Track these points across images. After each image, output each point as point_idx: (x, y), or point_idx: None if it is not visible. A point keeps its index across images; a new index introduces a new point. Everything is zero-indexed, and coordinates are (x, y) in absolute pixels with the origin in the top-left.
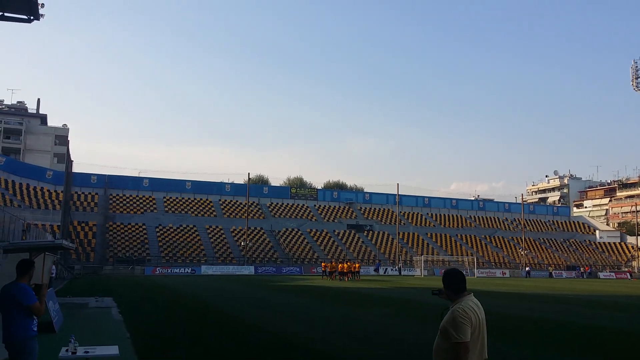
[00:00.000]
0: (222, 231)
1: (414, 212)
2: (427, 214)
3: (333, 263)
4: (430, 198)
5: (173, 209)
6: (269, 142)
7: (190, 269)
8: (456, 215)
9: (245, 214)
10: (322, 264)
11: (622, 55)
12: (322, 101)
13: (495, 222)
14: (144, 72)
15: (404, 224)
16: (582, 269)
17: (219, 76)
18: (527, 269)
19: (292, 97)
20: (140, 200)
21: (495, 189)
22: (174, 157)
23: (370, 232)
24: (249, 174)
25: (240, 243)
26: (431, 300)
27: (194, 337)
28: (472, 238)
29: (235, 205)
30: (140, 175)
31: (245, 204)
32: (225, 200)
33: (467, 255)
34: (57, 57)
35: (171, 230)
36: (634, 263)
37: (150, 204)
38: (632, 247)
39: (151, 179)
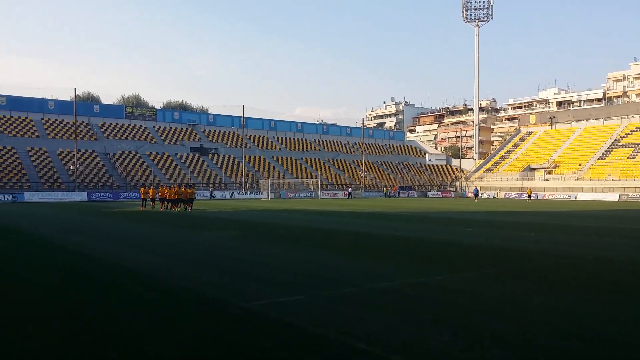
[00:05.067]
0: (47, 154)
1: (260, 135)
2: (273, 137)
3: (151, 189)
4: (276, 121)
5: None
6: (100, 57)
7: (11, 195)
8: (301, 138)
9: (74, 135)
10: (141, 189)
11: None
12: (163, 11)
13: (338, 145)
14: None
15: (250, 147)
16: (385, 188)
17: None
18: (349, 190)
19: (127, 5)
20: None
21: (338, 114)
22: None
23: (216, 155)
24: (75, 89)
25: (70, 167)
26: (288, 222)
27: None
28: (317, 161)
29: (61, 125)
30: None
31: (73, 123)
32: (49, 120)
33: (312, 178)
34: None
35: None
36: (458, 183)
37: None
38: (456, 169)
39: None
